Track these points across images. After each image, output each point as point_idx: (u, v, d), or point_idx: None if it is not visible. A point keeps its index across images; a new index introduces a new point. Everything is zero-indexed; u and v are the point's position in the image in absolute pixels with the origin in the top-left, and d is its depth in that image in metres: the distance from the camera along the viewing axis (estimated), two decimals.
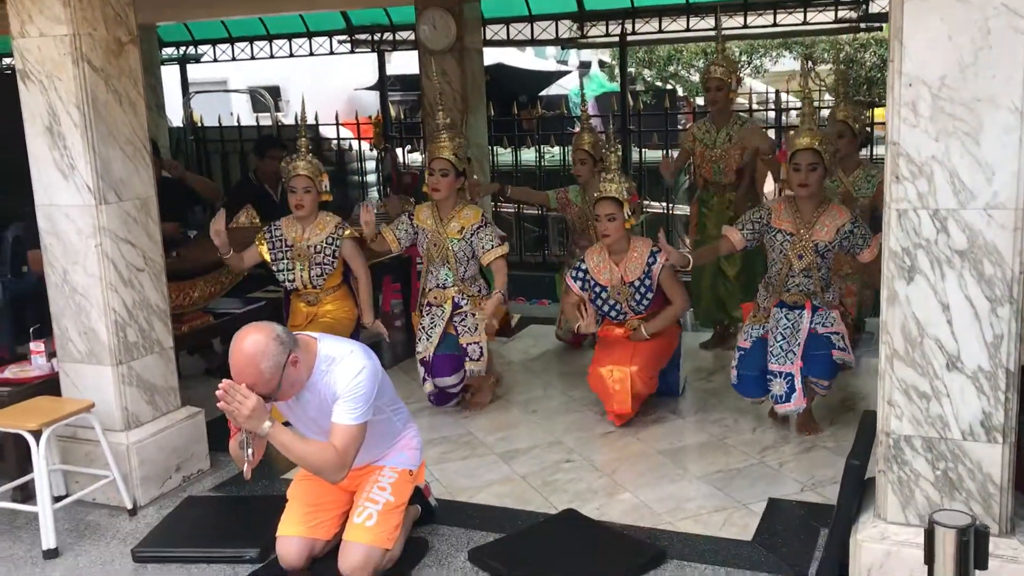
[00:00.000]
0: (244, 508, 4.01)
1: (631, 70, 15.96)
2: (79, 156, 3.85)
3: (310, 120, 8.75)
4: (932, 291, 2.73)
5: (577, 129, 5.97)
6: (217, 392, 2.89)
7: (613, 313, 4.80)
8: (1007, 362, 2.68)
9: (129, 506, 3.99)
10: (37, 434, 3.66)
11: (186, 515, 3.95)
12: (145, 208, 4.13)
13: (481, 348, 4.95)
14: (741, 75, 5.79)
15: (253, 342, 2.89)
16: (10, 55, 10.08)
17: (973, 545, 1.52)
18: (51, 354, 4.25)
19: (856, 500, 3.02)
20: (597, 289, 4.78)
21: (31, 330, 4.34)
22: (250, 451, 2.97)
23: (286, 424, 3.19)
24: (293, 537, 3.31)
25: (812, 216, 4.32)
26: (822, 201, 4.36)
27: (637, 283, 4.69)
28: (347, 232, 4.86)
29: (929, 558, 1.57)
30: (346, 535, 3.26)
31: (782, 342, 4.38)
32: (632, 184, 4.75)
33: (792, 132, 4.48)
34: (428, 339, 4.97)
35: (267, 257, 4.92)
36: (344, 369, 3.06)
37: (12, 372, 4.22)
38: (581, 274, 4.82)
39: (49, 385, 4.16)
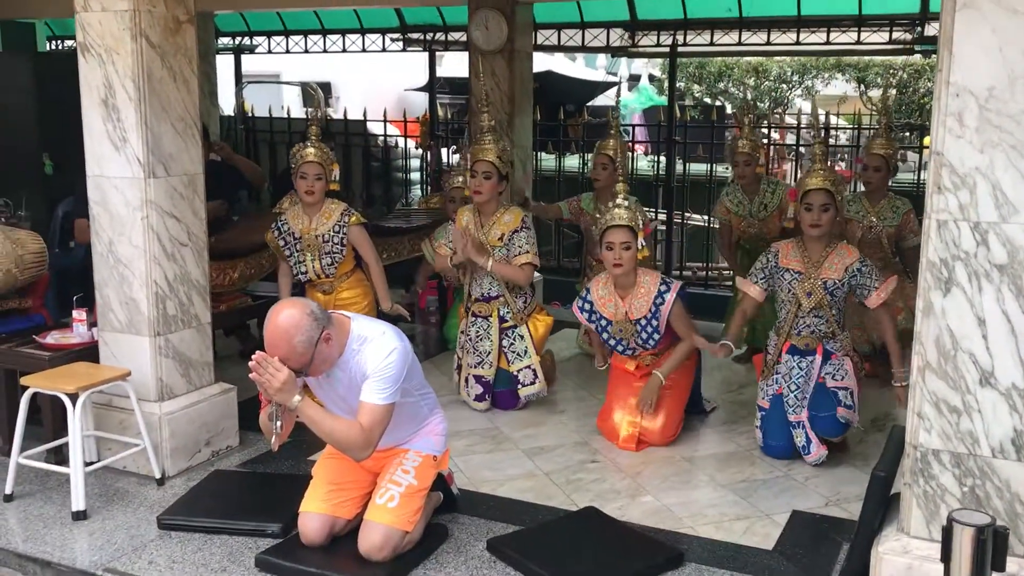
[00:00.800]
0: (269, 485, 4.06)
1: (681, 84, 15.93)
2: (131, 129, 3.94)
3: (359, 116, 8.90)
4: (969, 304, 2.70)
5: (611, 133, 5.95)
6: (250, 363, 2.94)
7: (620, 347, 4.60)
8: None
9: (157, 475, 4.05)
10: (74, 397, 3.74)
11: (212, 487, 4.01)
12: (192, 184, 4.21)
13: (534, 371, 4.99)
14: (765, 145, 5.83)
15: (288, 316, 2.93)
16: (71, 37, 10.31)
17: (991, 545, 1.51)
18: (92, 323, 4.34)
19: (880, 512, 2.99)
20: (603, 323, 4.59)
21: (75, 299, 4.44)
22: (279, 424, 3.02)
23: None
24: (315, 514, 3.35)
25: (820, 256, 4.25)
26: (831, 241, 4.29)
27: (644, 322, 4.48)
28: (353, 218, 4.79)
29: (946, 556, 1.56)
30: (368, 515, 3.30)
31: (796, 392, 4.31)
32: (644, 214, 4.59)
33: (804, 173, 4.44)
34: (477, 354, 5.00)
35: (281, 251, 4.90)
36: (375, 349, 3.09)
37: (54, 338, 4.31)
38: (588, 305, 4.63)
39: (89, 353, 4.25)
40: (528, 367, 5.01)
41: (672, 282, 4.53)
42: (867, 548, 2.92)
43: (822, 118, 4.70)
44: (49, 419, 4.12)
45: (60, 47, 11.24)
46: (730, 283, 5.86)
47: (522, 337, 5.01)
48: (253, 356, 2.93)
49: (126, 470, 4.17)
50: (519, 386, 5.01)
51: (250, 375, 2.95)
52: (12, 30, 10.01)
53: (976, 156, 2.64)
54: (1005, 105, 2.58)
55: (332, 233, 4.78)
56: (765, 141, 5.84)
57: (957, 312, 2.72)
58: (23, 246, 4.50)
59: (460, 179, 5.67)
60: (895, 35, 7.37)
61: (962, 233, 2.69)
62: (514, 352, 5.01)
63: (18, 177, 7.16)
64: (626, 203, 4.43)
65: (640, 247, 4.41)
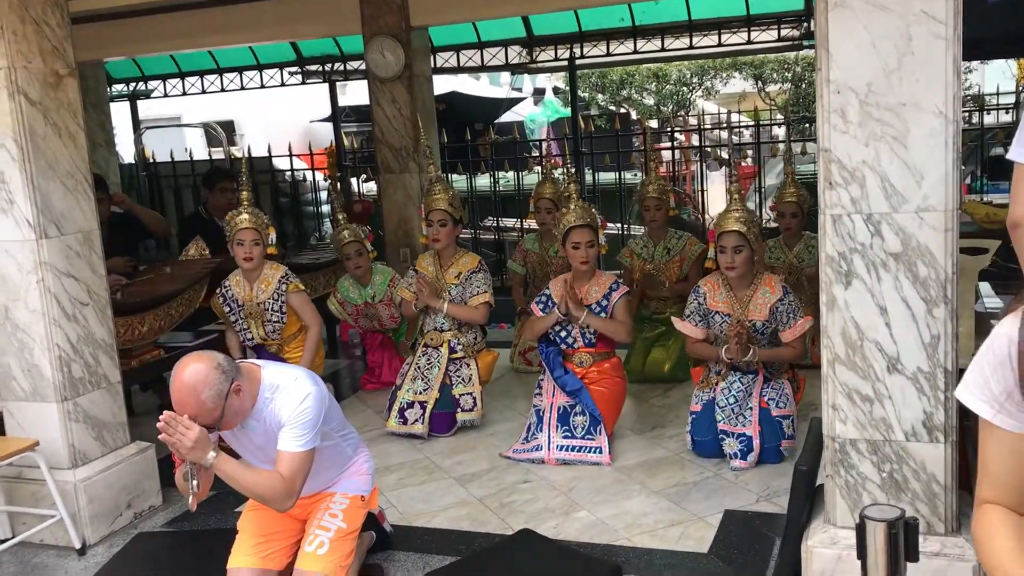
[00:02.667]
0: (196, 543, 3.94)
1: (585, 95, 16.12)
2: (17, 190, 3.80)
3: (263, 152, 8.78)
4: (869, 294, 2.76)
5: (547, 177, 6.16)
6: (158, 424, 2.84)
7: (563, 335, 4.75)
8: (945, 362, 2.72)
9: (78, 545, 3.90)
10: None
11: (137, 552, 3.87)
12: (88, 241, 4.08)
13: (474, 398, 5.09)
14: (673, 190, 6.09)
15: (194, 371, 2.84)
16: None
17: (903, 537, 1.53)
18: None
19: (807, 506, 3.03)
20: (553, 304, 4.78)
21: None
22: (195, 482, 2.92)
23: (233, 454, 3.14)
24: (244, 569, 3.24)
25: (745, 294, 4.41)
26: (753, 278, 4.44)
27: (595, 307, 4.70)
28: (291, 286, 4.94)
29: (861, 553, 1.58)
30: (298, 564, 3.20)
31: (733, 404, 4.40)
32: (594, 214, 4.79)
33: (719, 214, 4.60)
34: (425, 381, 5.09)
35: (227, 316, 5.07)
36: (289, 396, 3.02)
37: None
38: (545, 298, 4.86)
39: None
40: (470, 394, 5.10)
41: (623, 284, 4.87)
42: (797, 542, 2.95)
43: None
44: None
45: None
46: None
47: (468, 366, 5.15)
48: (161, 416, 2.83)
49: (44, 543, 4.00)
50: (459, 410, 5.06)
51: (159, 436, 2.85)
52: None
53: (862, 150, 2.71)
54: (884, 98, 2.66)
55: (272, 300, 4.94)
56: (671, 186, 6.07)
57: (859, 303, 2.78)
58: None
59: (346, 233, 5.86)
60: (783, 32, 7.58)
61: (856, 226, 2.75)
62: (459, 377, 5.12)
63: None
64: (580, 204, 4.75)
65: (602, 242, 4.71)
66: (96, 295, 4.12)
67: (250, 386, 2.98)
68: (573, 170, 5.40)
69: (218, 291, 5.08)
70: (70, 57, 4.00)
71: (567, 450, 4.53)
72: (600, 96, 16.58)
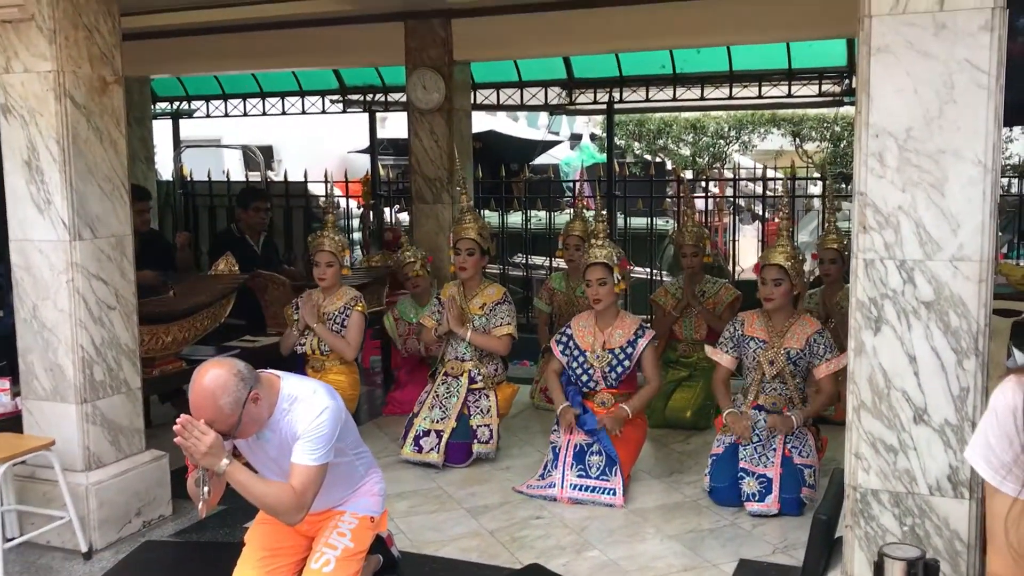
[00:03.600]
0: (202, 555, 3.91)
1: (621, 142, 16.18)
2: (56, 191, 3.85)
3: (299, 178, 8.88)
4: (899, 342, 2.72)
5: (571, 209, 6.17)
6: (175, 427, 2.83)
7: (584, 379, 4.69)
8: (973, 415, 2.65)
9: (84, 549, 3.88)
10: None
11: (143, 560, 3.85)
12: (120, 246, 4.12)
13: (491, 430, 5.07)
14: (709, 238, 6.16)
15: (213, 377, 2.84)
16: None
17: None
18: (16, 392, 4.19)
19: (824, 558, 2.95)
20: (576, 353, 4.72)
21: None
22: (206, 489, 2.90)
23: (247, 465, 3.12)
24: None
25: (783, 325, 4.49)
26: (793, 313, 4.53)
27: (618, 351, 4.64)
28: (359, 306, 5.18)
29: None
30: None
31: (757, 444, 4.39)
32: (620, 251, 4.78)
33: (766, 250, 4.70)
34: (443, 410, 5.08)
35: (293, 321, 5.27)
36: (306, 408, 3.00)
37: None
38: (565, 338, 4.80)
39: (12, 423, 4.10)
40: (487, 425, 5.06)
41: (649, 329, 4.76)
42: None
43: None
44: None
45: None
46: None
47: (487, 398, 5.14)
48: (178, 419, 2.82)
49: (50, 545, 3.98)
50: (475, 441, 5.02)
51: (175, 439, 2.84)
52: None
53: (898, 195, 2.68)
54: (923, 145, 2.63)
55: (336, 313, 5.18)
56: (707, 232, 6.12)
57: (888, 350, 2.73)
58: None
59: (408, 254, 6.12)
60: (824, 87, 7.58)
61: (889, 271, 2.71)
62: (478, 408, 5.10)
63: None
64: (602, 243, 4.70)
65: (617, 281, 4.62)
66: (124, 300, 4.14)
67: (268, 396, 2.97)
68: (603, 210, 5.40)
69: (294, 300, 5.35)
70: (118, 65, 4.07)
71: (580, 489, 4.47)
72: (636, 144, 16.65)
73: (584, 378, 4.70)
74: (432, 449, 4.97)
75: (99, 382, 4.04)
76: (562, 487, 4.48)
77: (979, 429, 1.37)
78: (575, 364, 4.72)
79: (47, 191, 3.87)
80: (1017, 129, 12.65)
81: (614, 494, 4.41)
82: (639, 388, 4.74)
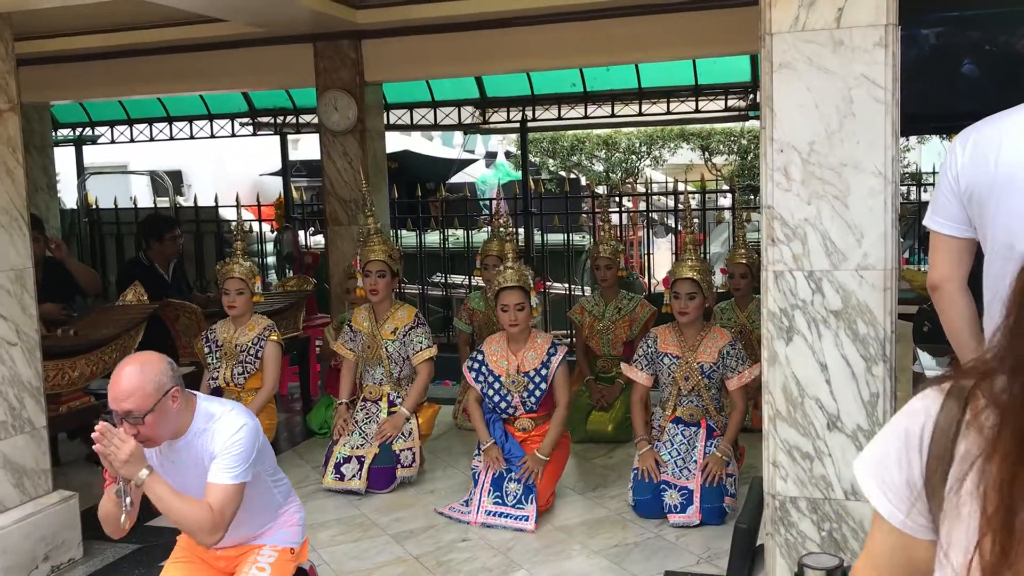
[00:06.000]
0: None
1: (536, 160, 16.30)
2: None
3: (209, 202, 8.69)
4: (810, 351, 2.78)
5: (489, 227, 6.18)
6: (93, 434, 2.73)
7: (503, 405, 4.63)
8: (883, 420, 2.73)
9: None
10: None
11: None
12: (20, 280, 3.96)
13: (414, 453, 4.99)
14: (624, 252, 6.26)
15: (144, 357, 2.83)
16: None
17: None
18: None
19: (747, 566, 2.99)
20: (491, 379, 4.64)
21: None
22: (128, 500, 2.80)
23: None
24: None
25: (696, 339, 4.54)
26: (704, 326, 4.59)
27: (533, 374, 4.58)
28: (273, 336, 5.06)
29: None
30: None
31: (677, 458, 4.45)
32: (531, 272, 4.75)
33: (674, 263, 4.76)
34: (362, 435, 5.00)
35: (205, 357, 5.15)
36: (222, 426, 2.92)
37: None
38: (477, 364, 4.71)
39: None
40: (410, 449, 4.99)
41: (560, 345, 4.70)
42: None
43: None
44: None
45: None
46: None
47: (408, 421, 5.04)
48: (96, 426, 2.72)
49: None
50: (398, 465, 4.95)
51: (93, 447, 2.74)
52: None
53: (804, 208, 2.75)
54: (826, 158, 2.71)
55: (250, 344, 5.04)
56: (622, 248, 6.20)
57: (800, 359, 2.79)
58: None
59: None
60: (730, 103, 7.76)
61: (798, 282, 2.77)
62: (399, 432, 4.99)
63: None
64: (514, 265, 4.62)
65: (533, 306, 4.58)
66: (25, 335, 3.98)
67: (186, 406, 2.89)
68: (512, 228, 5.43)
69: (203, 333, 5.24)
70: (13, 92, 3.93)
71: (494, 515, 4.43)
72: (551, 161, 16.79)
73: (503, 405, 4.64)
74: (354, 476, 4.88)
75: (0, 422, 3.86)
76: (477, 512, 4.45)
77: (876, 440, 1.14)
78: (491, 391, 4.65)
79: None
80: (913, 139, 13.16)
81: (526, 520, 4.37)
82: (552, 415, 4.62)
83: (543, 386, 4.58)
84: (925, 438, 1.03)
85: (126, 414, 2.74)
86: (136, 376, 2.74)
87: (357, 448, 4.97)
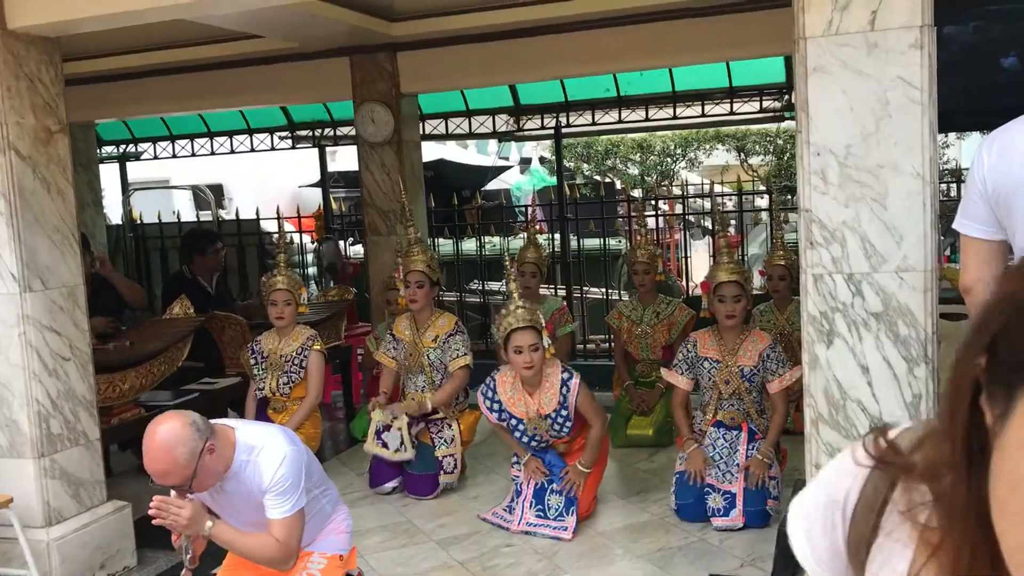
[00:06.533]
0: None
1: (570, 164, 16.32)
2: (3, 244, 3.80)
3: (250, 215, 8.83)
4: (851, 354, 2.78)
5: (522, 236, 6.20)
6: (150, 511, 2.83)
7: (534, 442, 4.54)
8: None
9: None
10: None
11: None
12: (72, 296, 4.07)
13: (455, 460, 5.05)
14: (661, 255, 6.25)
15: (167, 428, 2.82)
16: None
17: None
18: None
19: (790, 570, 3.00)
20: (513, 421, 4.51)
21: None
22: (188, 556, 2.93)
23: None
24: None
25: (735, 343, 4.51)
26: (744, 329, 4.56)
27: (554, 415, 4.43)
28: (316, 345, 5.15)
29: None
30: None
31: (719, 461, 4.44)
32: (539, 312, 4.59)
33: (713, 266, 4.70)
34: (401, 441, 5.03)
35: (251, 369, 5.22)
36: (266, 459, 2.97)
37: None
38: (497, 406, 4.52)
39: None
40: (452, 455, 5.06)
41: (571, 369, 4.50)
42: None
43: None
44: None
45: None
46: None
47: (450, 427, 5.13)
48: (151, 504, 2.83)
49: None
50: (441, 472, 5.01)
51: (153, 522, 2.84)
52: None
53: (842, 211, 2.76)
54: (863, 160, 2.72)
55: (294, 354, 5.12)
56: (659, 252, 6.21)
57: (841, 362, 2.80)
58: None
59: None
60: (765, 104, 7.73)
61: (838, 285, 2.78)
62: (441, 439, 5.09)
63: None
64: (523, 303, 4.46)
65: (547, 345, 4.37)
66: (78, 350, 4.09)
67: (223, 447, 2.94)
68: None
69: (248, 345, 5.31)
70: (62, 114, 4.05)
71: (535, 526, 4.45)
72: (585, 165, 16.80)
73: (534, 442, 4.56)
74: (399, 448, 4.96)
75: (56, 435, 3.97)
76: (518, 523, 4.47)
77: (809, 493, 1.00)
78: (517, 432, 4.54)
79: None
80: (952, 135, 13.00)
81: (565, 530, 4.37)
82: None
83: (569, 421, 4.44)
84: (849, 504, 0.92)
85: (172, 487, 2.83)
86: (166, 455, 2.76)
87: (392, 419, 5.02)
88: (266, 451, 2.98)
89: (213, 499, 3.07)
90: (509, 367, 4.49)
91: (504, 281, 6.42)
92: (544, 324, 4.47)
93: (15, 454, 3.91)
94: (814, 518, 0.96)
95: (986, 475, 0.69)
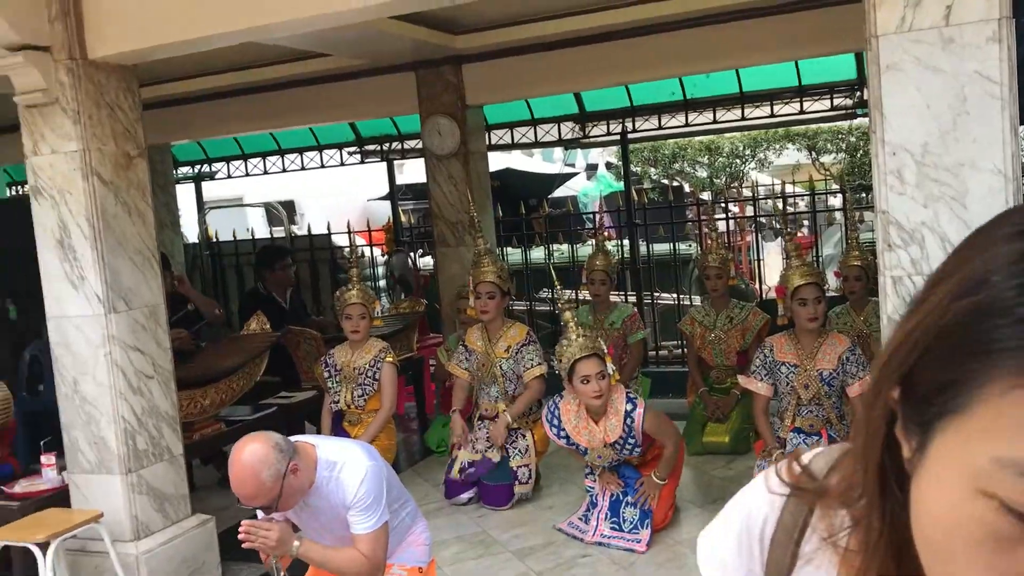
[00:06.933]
0: None
1: (637, 169, 16.23)
2: (89, 267, 3.93)
3: (322, 230, 8.98)
4: None
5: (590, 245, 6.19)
6: (240, 535, 2.90)
7: (606, 464, 4.53)
8: None
9: None
10: (44, 547, 3.63)
11: None
12: (154, 316, 4.19)
13: (530, 470, 5.08)
14: (733, 259, 6.14)
15: (252, 451, 2.87)
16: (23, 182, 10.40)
17: None
18: (62, 467, 4.25)
19: None
20: (581, 449, 4.47)
21: (42, 443, 4.35)
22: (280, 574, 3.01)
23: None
24: None
25: (813, 346, 4.40)
26: (821, 333, 4.44)
27: (620, 442, 4.36)
28: (388, 357, 5.18)
29: None
30: None
31: None
32: (601, 341, 4.53)
33: (785, 270, 4.59)
34: (474, 451, 5.14)
35: (325, 382, 5.29)
36: (347, 475, 3.01)
37: (22, 487, 4.21)
38: (564, 433, 4.45)
39: (59, 498, 4.15)
40: (527, 466, 5.08)
41: (633, 399, 4.38)
42: None
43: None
44: (21, 572, 3.98)
45: (20, 192, 11.31)
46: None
47: (524, 437, 5.15)
48: (240, 528, 2.90)
49: None
50: (516, 482, 5.03)
51: (243, 545, 2.91)
52: None
53: (921, 211, 2.68)
54: (941, 159, 2.64)
55: (367, 367, 5.16)
56: (731, 256, 6.13)
57: None
58: None
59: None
60: (836, 101, 7.58)
61: (917, 287, 2.70)
62: (516, 449, 5.12)
63: None
64: (585, 331, 4.38)
65: (611, 373, 4.30)
66: (161, 368, 4.21)
67: (306, 466, 2.99)
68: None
69: (322, 358, 5.39)
70: (140, 139, 4.17)
71: (609, 538, 4.43)
72: (653, 170, 16.69)
73: (605, 464, 4.54)
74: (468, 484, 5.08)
75: (142, 451, 4.09)
76: (593, 534, 4.46)
77: (721, 520, 0.95)
78: (587, 459, 4.53)
79: (80, 268, 3.95)
80: None
81: (639, 542, 4.34)
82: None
83: (636, 448, 4.38)
84: (767, 532, 0.88)
85: (260, 508, 2.89)
86: (252, 479, 2.81)
87: (476, 455, 5.11)
88: (348, 467, 3.02)
89: (297, 515, 3.13)
90: (571, 393, 4.41)
91: (572, 291, 6.43)
92: (606, 349, 4.39)
93: (104, 470, 4.03)
94: (728, 548, 0.92)
95: (901, 503, 0.66)
